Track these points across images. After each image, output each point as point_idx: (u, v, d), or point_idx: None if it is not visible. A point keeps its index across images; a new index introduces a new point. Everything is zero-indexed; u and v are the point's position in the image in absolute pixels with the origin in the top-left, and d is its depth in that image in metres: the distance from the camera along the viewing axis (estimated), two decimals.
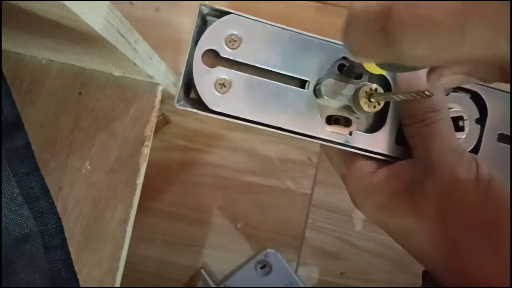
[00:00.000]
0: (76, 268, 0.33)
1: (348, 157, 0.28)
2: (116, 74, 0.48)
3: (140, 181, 0.46)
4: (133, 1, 0.60)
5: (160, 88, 0.49)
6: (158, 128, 0.58)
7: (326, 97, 0.25)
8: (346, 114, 0.27)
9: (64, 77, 0.49)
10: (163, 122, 0.58)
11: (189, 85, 0.26)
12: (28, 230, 0.31)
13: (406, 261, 0.60)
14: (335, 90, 0.26)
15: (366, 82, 0.26)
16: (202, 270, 0.57)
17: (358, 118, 0.27)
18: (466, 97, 0.28)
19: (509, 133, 0.29)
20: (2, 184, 0.30)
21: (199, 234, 0.59)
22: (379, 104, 0.25)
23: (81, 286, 0.33)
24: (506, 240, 0.23)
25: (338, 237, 0.60)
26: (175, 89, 0.56)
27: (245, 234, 0.59)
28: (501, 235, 0.23)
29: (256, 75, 0.26)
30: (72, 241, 0.39)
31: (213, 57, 0.25)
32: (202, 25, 0.26)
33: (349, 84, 0.26)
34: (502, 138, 0.29)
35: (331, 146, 0.27)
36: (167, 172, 0.59)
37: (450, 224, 0.24)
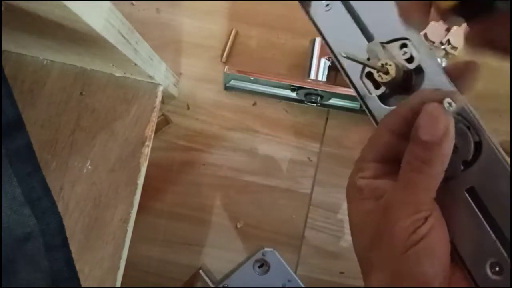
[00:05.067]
0: (77, 267, 0.33)
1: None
2: (117, 74, 0.49)
3: (140, 181, 0.46)
4: (134, 2, 0.60)
5: (160, 88, 0.49)
6: (158, 128, 0.58)
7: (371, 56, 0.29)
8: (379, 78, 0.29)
9: (65, 78, 0.49)
10: (164, 122, 0.58)
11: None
12: (29, 230, 0.31)
13: None
14: (376, 52, 0.29)
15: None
16: (200, 271, 0.57)
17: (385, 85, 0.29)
18: (471, 139, 0.26)
19: (480, 197, 0.25)
20: (3, 184, 0.30)
21: (199, 233, 0.59)
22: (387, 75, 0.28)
23: (82, 286, 0.33)
24: None
25: (338, 237, 0.60)
26: (176, 89, 0.57)
27: (245, 233, 0.59)
28: None
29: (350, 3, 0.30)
30: (73, 241, 0.39)
31: None
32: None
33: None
34: (470, 192, 0.26)
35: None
36: (167, 172, 0.59)
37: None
